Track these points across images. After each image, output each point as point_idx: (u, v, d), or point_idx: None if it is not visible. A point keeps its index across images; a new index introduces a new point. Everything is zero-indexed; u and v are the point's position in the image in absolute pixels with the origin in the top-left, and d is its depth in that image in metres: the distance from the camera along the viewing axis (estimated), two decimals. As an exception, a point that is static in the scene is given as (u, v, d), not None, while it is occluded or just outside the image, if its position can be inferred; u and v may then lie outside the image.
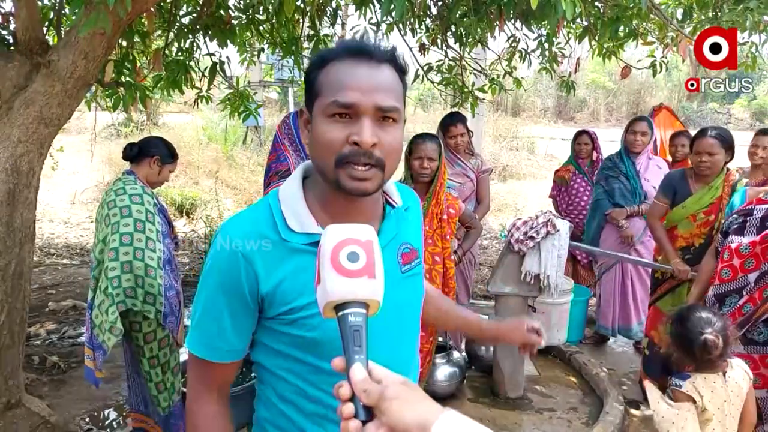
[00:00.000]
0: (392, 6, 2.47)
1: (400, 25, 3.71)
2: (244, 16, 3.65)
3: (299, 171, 1.04)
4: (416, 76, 4.20)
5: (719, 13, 3.29)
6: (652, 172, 3.91)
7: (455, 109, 4.22)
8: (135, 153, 2.64)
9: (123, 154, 2.69)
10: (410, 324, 1.11)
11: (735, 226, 2.32)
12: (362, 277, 0.75)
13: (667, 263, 3.21)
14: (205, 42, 3.63)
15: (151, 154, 2.64)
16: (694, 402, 1.86)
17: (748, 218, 2.29)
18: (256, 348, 1.05)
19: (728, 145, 3.00)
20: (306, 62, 4.09)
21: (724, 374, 1.89)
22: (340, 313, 0.75)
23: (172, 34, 3.55)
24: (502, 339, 1.39)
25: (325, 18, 3.96)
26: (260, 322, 1.01)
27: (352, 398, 0.69)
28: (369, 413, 0.69)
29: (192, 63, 3.71)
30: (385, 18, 3.66)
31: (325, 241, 0.77)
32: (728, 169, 3.09)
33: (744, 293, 2.19)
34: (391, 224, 1.06)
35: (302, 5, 3.61)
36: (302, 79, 4.25)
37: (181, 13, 3.68)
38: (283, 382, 1.02)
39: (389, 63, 0.95)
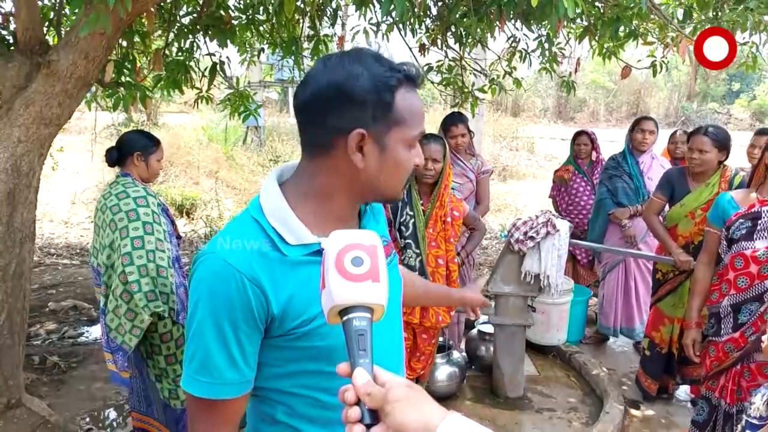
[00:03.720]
0: (392, 6, 2.46)
1: (400, 26, 3.71)
2: (244, 16, 3.65)
3: (274, 181, 1.00)
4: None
5: (720, 14, 3.29)
6: (656, 171, 3.90)
7: (456, 110, 4.22)
8: (116, 156, 2.59)
9: (106, 161, 2.63)
10: (396, 312, 1.14)
11: (743, 232, 2.22)
12: (367, 281, 0.75)
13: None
14: (205, 42, 3.64)
15: (131, 152, 2.57)
16: None
17: (757, 221, 2.20)
18: (258, 374, 1.00)
19: (721, 145, 2.98)
20: (306, 62, 4.09)
21: None
22: (344, 318, 0.75)
23: (172, 34, 3.55)
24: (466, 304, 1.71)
25: (325, 18, 3.96)
26: (265, 344, 0.96)
27: (358, 402, 0.70)
28: (374, 417, 0.69)
29: (192, 63, 3.70)
30: (385, 18, 3.66)
31: (330, 246, 0.77)
32: (725, 166, 3.09)
33: (765, 299, 2.14)
34: (370, 220, 1.10)
35: (302, 5, 3.61)
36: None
37: (181, 13, 3.67)
38: (294, 398, 1.00)
39: None
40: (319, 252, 0.89)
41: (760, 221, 2.20)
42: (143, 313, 2.31)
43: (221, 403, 0.95)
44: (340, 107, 0.91)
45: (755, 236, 2.19)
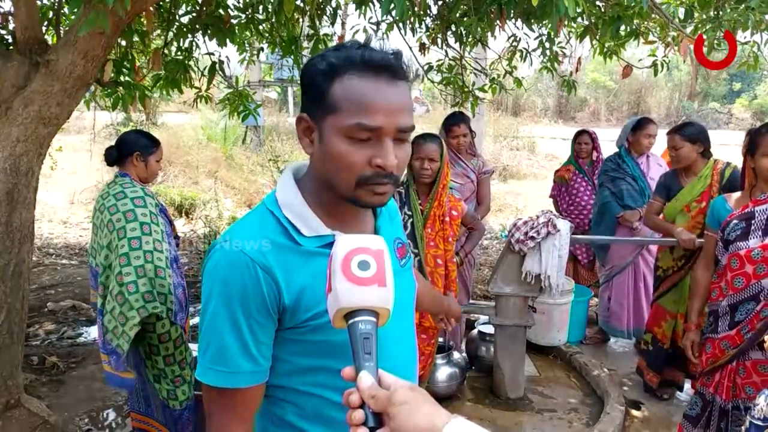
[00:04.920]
0: (392, 5, 2.45)
1: (400, 25, 3.70)
2: (243, 16, 3.64)
3: (290, 175, 1.02)
4: (416, 75, 4.17)
5: (721, 13, 3.28)
6: (655, 170, 3.91)
7: (456, 109, 4.21)
8: (115, 156, 2.59)
9: (105, 160, 2.63)
10: (409, 315, 1.13)
11: (738, 232, 2.23)
12: (373, 285, 0.76)
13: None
14: (204, 41, 3.62)
15: (131, 152, 2.57)
16: None
17: (750, 221, 2.20)
18: (272, 370, 1.00)
19: (692, 138, 3.13)
20: (305, 62, 4.08)
21: None
22: (350, 321, 0.76)
23: (171, 34, 3.54)
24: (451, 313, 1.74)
25: (325, 17, 3.95)
26: (278, 336, 0.96)
27: (362, 405, 0.70)
28: (378, 420, 0.69)
29: (191, 62, 3.70)
30: (385, 17, 3.65)
31: (337, 250, 0.78)
32: (716, 160, 3.19)
33: (761, 298, 2.13)
34: (386, 221, 1.10)
35: (302, 4, 3.60)
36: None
37: (180, 12, 3.66)
38: (305, 398, 1.00)
39: (406, 79, 0.93)
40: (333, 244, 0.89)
41: (753, 221, 2.22)
42: (136, 317, 2.28)
43: (237, 392, 0.95)
44: (303, 94, 0.94)
45: (750, 236, 2.21)
